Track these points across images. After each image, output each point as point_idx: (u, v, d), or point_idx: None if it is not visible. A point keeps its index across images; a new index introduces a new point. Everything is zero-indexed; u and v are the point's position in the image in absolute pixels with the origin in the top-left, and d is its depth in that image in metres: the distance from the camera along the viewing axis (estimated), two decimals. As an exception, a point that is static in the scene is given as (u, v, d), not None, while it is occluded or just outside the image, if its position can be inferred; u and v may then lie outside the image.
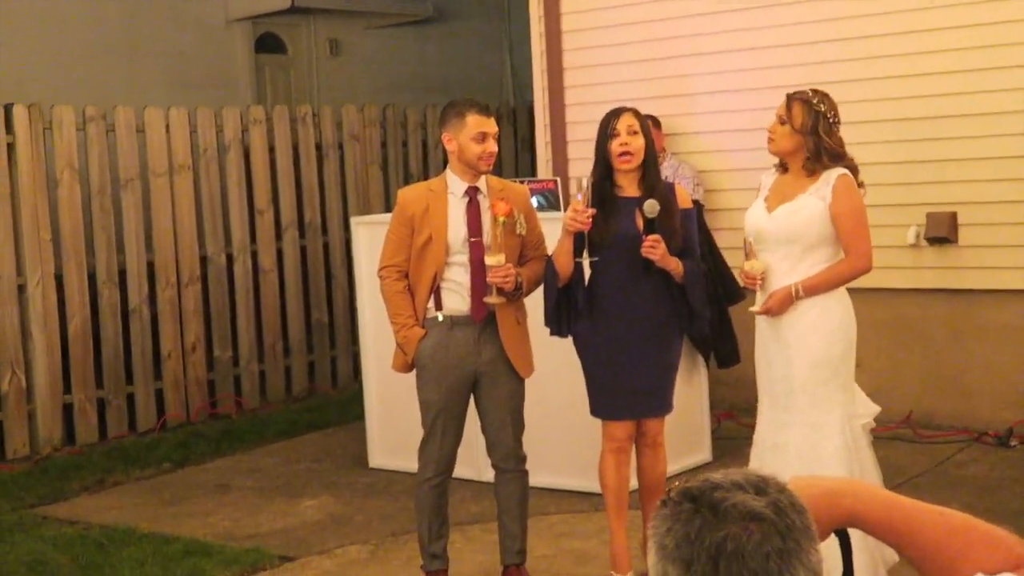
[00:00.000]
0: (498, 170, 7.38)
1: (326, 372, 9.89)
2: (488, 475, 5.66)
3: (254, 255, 9.42)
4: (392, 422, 7.25)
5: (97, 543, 6.23)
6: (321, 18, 12.32)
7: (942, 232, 7.33)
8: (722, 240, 7.05)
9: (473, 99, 5.19)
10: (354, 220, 7.66)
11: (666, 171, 7.60)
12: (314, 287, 9.80)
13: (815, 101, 4.84)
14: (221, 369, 9.21)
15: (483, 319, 5.08)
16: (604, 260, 5.07)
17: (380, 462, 7.43)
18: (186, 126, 8.98)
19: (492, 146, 5.06)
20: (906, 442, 7.29)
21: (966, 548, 1.76)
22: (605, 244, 5.02)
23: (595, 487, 5.54)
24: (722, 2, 8.07)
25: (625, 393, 5.13)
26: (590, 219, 4.92)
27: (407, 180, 10.16)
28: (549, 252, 5.18)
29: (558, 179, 6.99)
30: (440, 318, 5.10)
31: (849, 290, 5.00)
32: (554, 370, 5.90)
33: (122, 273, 8.67)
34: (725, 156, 8.12)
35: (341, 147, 10.01)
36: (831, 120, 4.84)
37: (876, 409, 5.04)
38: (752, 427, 5.18)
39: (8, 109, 8.15)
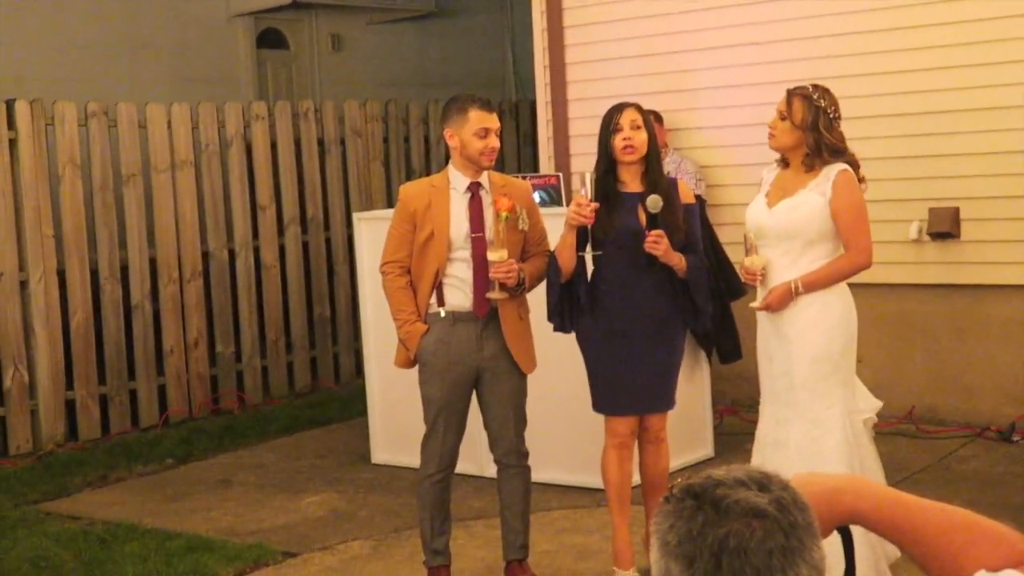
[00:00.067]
0: (500, 166, 7.39)
1: (328, 368, 9.89)
2: (490, 471, 5.66)
3: (256, 251, 9.42)
4: (394, 418, 7.25)
5: (100, 539, 6.23)
6: (323, 13, 12.32)
7: (944, 227, 7.33)
8: (724, 235, 7.04)
9: (475, 95, 5.17)
10: (356, 216, 7.66)
11: (668, 166, 7.59)
12: (316, 283, 9.81)
13: (815, 96, 4.84)
14: (223, 365, 9.22)
15: (485, 315, 5.08)
16: (607, 256, 5.06)
17: (382, 458, 7.44)
18: (188, 122, 8.98)
19: (494, 142, 5.05)
20: (908, 437, 7.29)
21: (968, 545, 1.75)
22: (608, 239, 5.02)
23: (597, 483, 5.54)
24: (724, -3, 8.07)
25: (627, 389, 5.13)
26: (593, 213, 4.92)
27: (409, 176, 10.16)
28: (551, 248, 5.18)
29: (560, 174, 6.99)
30: (442, 314, 5.09)
31: (851, 285, 4.99)
32: (556, 366, 5.89)
33: (124, 269, 8.67)
34: (727, 151, 8.12)
35: (343, 143, 10.01)
36: (831, 115, 4.84)
37: (878, 404, 5.04)
38: (754, 423, 5.19)
39: (10, 105, 8.15)
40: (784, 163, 5.00)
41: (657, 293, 5.06)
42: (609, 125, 5.08)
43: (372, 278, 6.61)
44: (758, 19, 7.94)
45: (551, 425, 6.36)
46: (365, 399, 7.58)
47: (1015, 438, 7.12)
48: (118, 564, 5.83)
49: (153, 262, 8.81)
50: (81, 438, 8.37)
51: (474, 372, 5.12)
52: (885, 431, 6.88)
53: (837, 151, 4.84)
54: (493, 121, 5.06)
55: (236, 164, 9.28)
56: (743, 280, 5.24)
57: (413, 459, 5.58)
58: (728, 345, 6.95)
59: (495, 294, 5.03)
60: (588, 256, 5.08)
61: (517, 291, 5.08)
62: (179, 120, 8.92)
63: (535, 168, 9.74)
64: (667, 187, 5.07)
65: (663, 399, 5.23)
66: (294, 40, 12.39)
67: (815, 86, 4.92)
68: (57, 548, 6.11)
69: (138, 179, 8.74)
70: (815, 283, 4.83)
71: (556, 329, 5.24)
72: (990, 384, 7.43)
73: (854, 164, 4.89)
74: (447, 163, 5.26)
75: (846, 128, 4.96)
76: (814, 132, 4.81)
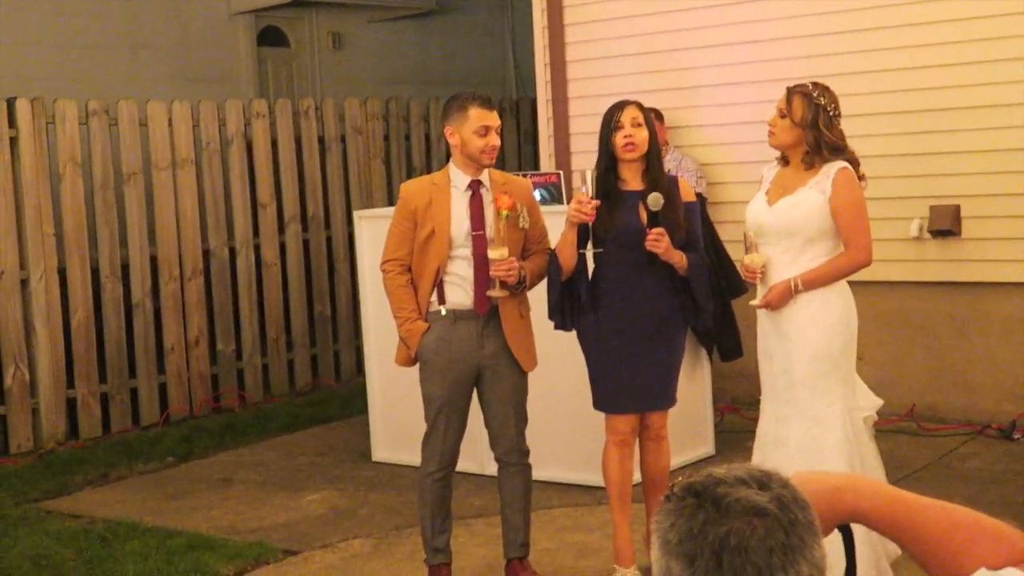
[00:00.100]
0: (501, 163, 7.38)
1: (329, 366, 9.89)
2: (491, 469, 5.66)
3: (257, 249, 9.42)
4: (395, 416, 7.25)
5: (100, 537, 6.23)
6: (323, 11, 12.32)
7: (945, 225, 7.32)
8: (725, 233, 7.04)
9: (476, 92, 5.17)
10: (357, 214, 7.66)
11: (669, 164, 7.59)
12: (317, 281, 9.81)
13: (815, 94, 4.83)
14: (224, 363, 9.22)
15: (486, 313, 5.08)
16: (608, 253, 5.06)
17: (383, 456, 7.44)
18: (189, 120, 8.98)
19: (495, 139, 5.05)
20: (909, 435, 7.29)
21: (969, 543, 1.75)
22: (608, 237, 5.02)
23: (598, 481, 5.54)
24: (725, -5, 8.06)
25: (628, 386, 5.13)
26: (594, 211, 4.92)
27: (410, 174, 10.16)
28: (552, 246, 5.18)
29: (561, 172, 6.99)
30: (443, 312, 5.09)
31: (852, 283, 4.99)
32: (557, 363, 5.89)
33: (125, 267, 8.68)
34: (728, 149, 8.12)
35: (344, 140, 10.01)
36: (831, 113, 4.83)
37: (879, 402, 5.04)
38: (755, 421, 5.19)
39: (11, 103, 8.15)
40: (784, 161, 5.00)
41: (658, 291, 5.06)
42: (610, 123, 5.08)
43: (373, 276, 6.61)
44: (758, 17, 7.93)
45: (552, 423, 6.36)
46: (366, 397, 7.58)
47: (1016, 436, 7.12)
48: (119, 562, 5.83)
49: (154, 260, 8.81)
50: (82, 436, 8.38)
51: (475, 370, 5.12)
52: (886, 429, 6.88)
53: (837, 149, 4.84)
54: (493, 119, 5.06)
55: (237, 162, 9.28)
56: (743, 278, 5.24)
57: (414, 457, 5.58)
58: (729, 343, 6.94)
59: (496, 292, 5.02)
60: (589, 254, 5.08)
61: (518, 289, 5.08)
62: (180, 118, 8.92)
63: (536, 166, 9.73)
64: (668, 185, 5.07)
65: (664, 397, 5.23)
66: (295, 38, 12.39)
67: (815, 84, 4.92)
68: (58, 546, 6.11)
69: (139, 177, 8.74)
70: (815, 281, 4.83)
71: (557, 327, 5.24)
72: (991, 382, 7.43)
73: (854, 162, 4.89)
74: (448, 161, 5.26)
75: (846, 126, 4.95)
76: (814, 130, 4.81)
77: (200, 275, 9.02)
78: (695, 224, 5.16)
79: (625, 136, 5.03)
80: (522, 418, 5.20)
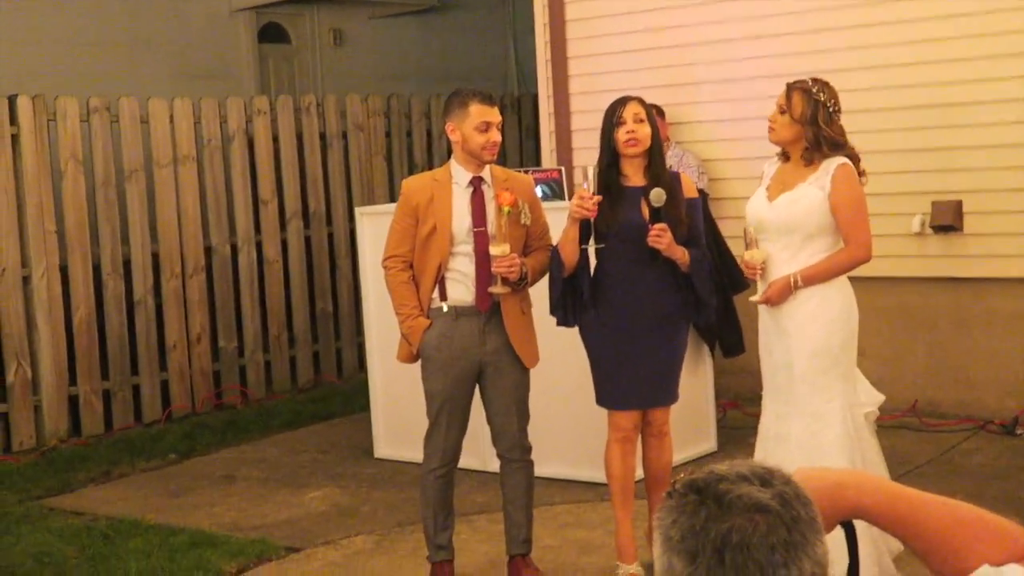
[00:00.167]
0: (502, 160, 7.38)
1: (331, 362, 9.90)
2: (493, 465, 5.66)
3: (259, 245, 9.42)
4: (397, 412, 7.25)
5: (103, 534, 6.23)
6: (324, 7, 12.32)
7: (947, 220, 7.32)
8: (726, 229, 7.04)
9: (477, 88, 5.17)
10: (358, 210, 7.65)
11: (670, 160, 7.58)
12: (319, 277, 9.81)
13: (815, 90, 4.83)
14: (226, 360, 9.22)
15: (488, 309, 5.08)
16: (610, 249, 5.05)
17: (385, 452, 7.44)
18: (190, 117, 8.98)
19: (496, 136, 5.05)
20: (911, 431, 7.29)
21: (972, 539, 1.75)
22: (610, 233, 5.01)
23: (601, 477, 5.54)
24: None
25: (631, 383, 5.12)
26: (596, 207, 4.91)
27: (411, 170, 10.16)
28: (554, 242, 5.18)
29: (562, 168, 6.99)
30: (445, 308, 5.09)
31: (853, 279, 4.99)
32: (559, 360, 5.89)
33: (127, 264, 8.68)
34: (729, 145, 8.11)
35: (345, 137, 10.01)
36: (831, 109, 4.83)
37: (881, 398, 5.03)
38: (757, 417, 5.19)
39: (12, 100, 8.15)
40: (785, 157, 5.00)
41: (660, 287, 5.06)
42: (612, 118, 5.08)
43: (374, 273, 6.61)
44: (759, 13, 7.93)
45: (554, 419, 6.36)
46: (368, 394, 7.58)
47: (1018, 431, 7.11)
48: (121, 560, 5.83)
49: (155, 257, 8.81)
50: (84, 434, 8.38)
51: (477, 367, 5.12)
52: (888, 424, 6.87)
53: (836, 145, 4.83)
54: (494, 115, 5.05)
55: (238, 159, 9.28)
56: (744, 274, 5.24)
57: (416, 454, 5.58)
58: (731, 339, 6.95)
59: (497, 288, 5.02)
60: (591, 250, 5.08)
61: (519, 285, 5.08)
62: (181, 115, 8.92)
63: (537, 162, 9.73)
64: (670, 181, 5.07)
65: (666, 393, 5.23)
66: (296, 34, 12.39)
67: (815, 80, 4.91)
68: (60, 544, 6.11)
69: (140, 174, 8.74)
70: (814, 277, 4.83)
71: (559, 323, 5.23)
72: (993, 377, 7.43)
73: (854, 158, 4.88)
74: (449, 157, 5.26)
75: (847, 121, 4.95)
76: (813, 126, 4.80)
77: (202, 272, 9.02)
78: (697, 220, 5.15)
79: (627, 132, 5.02)
80: (524, 414, 5.20)
